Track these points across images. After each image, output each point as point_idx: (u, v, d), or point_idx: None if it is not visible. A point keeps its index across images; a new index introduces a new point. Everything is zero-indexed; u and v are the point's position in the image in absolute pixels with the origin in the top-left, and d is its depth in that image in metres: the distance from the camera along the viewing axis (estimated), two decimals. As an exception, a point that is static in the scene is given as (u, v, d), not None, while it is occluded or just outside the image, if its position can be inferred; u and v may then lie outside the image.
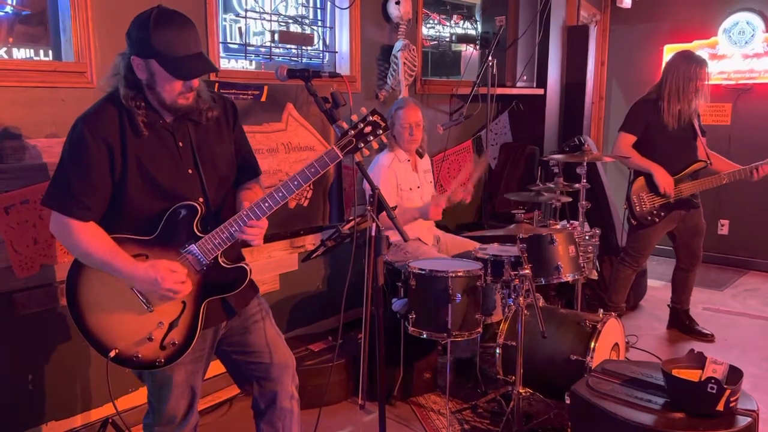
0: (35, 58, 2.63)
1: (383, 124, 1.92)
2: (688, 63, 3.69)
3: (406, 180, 3.45)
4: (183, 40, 1.76)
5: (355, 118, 1.93)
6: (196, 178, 1.91)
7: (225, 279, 1.93)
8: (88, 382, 2.76)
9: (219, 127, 1.98)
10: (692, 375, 2.28)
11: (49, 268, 2.57)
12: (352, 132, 1.91)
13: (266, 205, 1.86)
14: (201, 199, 1.90)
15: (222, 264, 1.91)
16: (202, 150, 1.92)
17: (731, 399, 2.18)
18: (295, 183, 1.88)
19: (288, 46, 3.62)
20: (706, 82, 3.71)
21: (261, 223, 1.88)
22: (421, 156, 3.60)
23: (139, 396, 2.86)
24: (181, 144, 1.89)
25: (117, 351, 1.86)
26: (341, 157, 1.91)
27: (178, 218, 1.85)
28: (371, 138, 1.92)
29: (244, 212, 1.86)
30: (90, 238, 1.79)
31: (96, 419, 2.78)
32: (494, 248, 3.24)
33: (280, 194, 1.87)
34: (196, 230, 1.87)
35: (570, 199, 3.68)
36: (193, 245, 1.86)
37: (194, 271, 1.88)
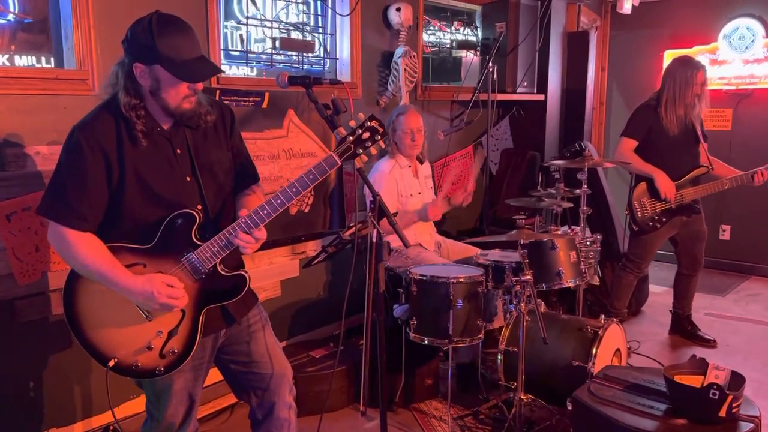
0: (37, 66, 2.64)
1: (381, 130, 1.91)
2: (686, 68, 3.70)
3: (406, 186, 3.45)
4: (187, 43, 1.77)
5: (353, 124, 1.92)
6: (194, 185, 1.90)
7: (224, 287, 1.92)
8: (88, 389, 2.76)
9: (216, 133, 1.98)
10: (694, 381, 2.27)
11: (51, 276, 2.57)
12: (351, 138, 1.91)
13: (264, 212, 1.85)
14: (199, 207, 1.90)
15: (221, 272, 1.91)
16: (200, 157, 1.92)
17: (734, 405, 2.18)
18: (294, 190, 1.87)
19: (289, 53, 3.63)
20: (706, 87, 3.72)
21: (259, 233, 1.87)
22: (421, 162, 3.61)
23: (140, 403, 2.85)
24: (178, 151, 1.88)
25: (116, 360, 1.85)
26: (339, 163, 1.90)
27: (176, 226, 1.85)
28: (369, 144, 1.91)
29: (243, 220, 1.85)
30: (87, 249, 1.79)
31: (97, 426, 2.78)
32: (495, 254, 3.24)
33: (279, 201, 1.86)
34: (194, 238, 1.86)
35: (571, 205, 3.68)
36: (192, 253, 1.86)
37: (193, 279, 1.88)
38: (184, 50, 1.75)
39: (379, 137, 1.92)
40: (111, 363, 1.85)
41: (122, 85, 1.79)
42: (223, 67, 3.24)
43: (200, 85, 1.84)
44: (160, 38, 1.73)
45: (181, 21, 1.80)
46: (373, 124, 1.91)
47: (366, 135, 1.91)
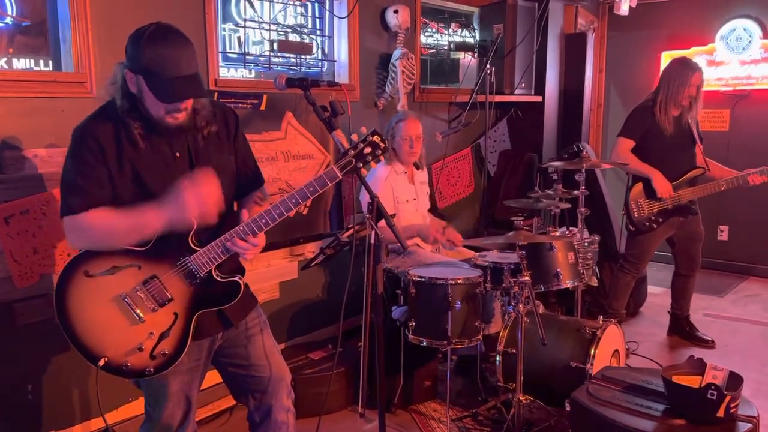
0: (35, 69, 2.64)
1: (383, 145, 1.93)
2: (682, 69, 3.72)
3: (402, 192, 3.45)
4: (173, 60, 1.74)
5: (355, 137, 1.94)
6: None
7: (218, 292, 1.92)
8: (87, 392, 2.76)
9: (219, 138, 1.98)
10: (692, 381, 2.27)
11: (48, 278, 2.57)
12: (352, 152, 1.93)
13: (263, 221, 1.86)
14: None
15: (216, 277, 1.91)
16: (201, 161, 1.92)
17: (731, 405, 2.18)
18: (293, 201, 1.88)
19: (287, 55, 3.64)
20: (701, 89, 3.73)
21: (257, 240, 1.88)
22: (418, 168, 3.61)
23: (139, 406, 2.85)
24: (178, 155, 1.89)
25: (106, 359, 1.85)
26: (340, 177, 1.92)
27: (173, 230, 1.84)
28: (370, 158, 1.94)
29: (241, 227, 1.86)
30: (106, 216, 1.79)
31: (95, 429, 2.78)
32: (494, 255, 3.24)
33: (278, 211, 1.87)
34: (191, 243, 1.87)
35: (569, 206, 3.68)
36: (188, 258, 1.87)
37: (187, 283, 1.88)
38: (168, 67, 1.73)
39: (380, 152, 1.94)
40: (101, 362, 1.85)
41: (119, 86, 1.81)
42: (221, 70, 3.24)
43: (185, 103, 1.82)
44: (147, 50, 1.72)
45: (176, 35, 1.77)
46: (375, 139, 1.93)
47: (368, 150, 1.92)
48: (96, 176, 1.79)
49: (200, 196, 1.80)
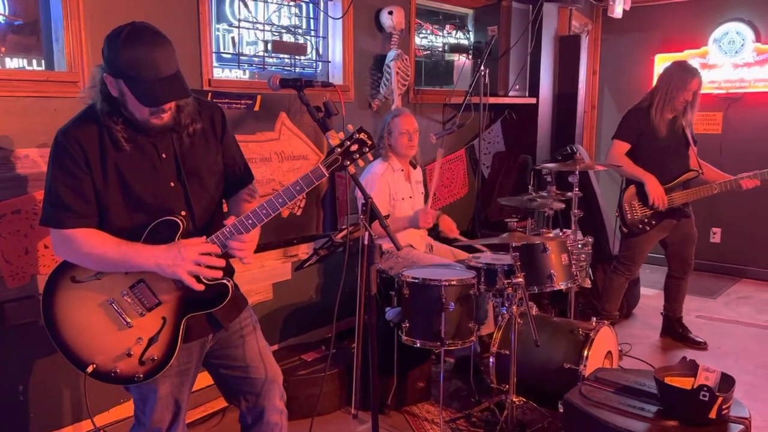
0: (28, 68, 2.63)
1: (370, 143, 1.92)
2: (682, 73, 3.73)
3: (398, 189, 3.45)
4: (152, 62, 1.68)
5: (342, 136, 1.93)
6: (179, 190, 1.87)
7: (206, 295, 1.87)
8: (78, 393, 2.74)
9: (205, 137, 1.94)
10: (685, 383, 2.28)
11: (40, 279, 2.56)
12: (339, 150, 1.91)
13: (250, 222, 1.84)
14: (184, 213, 1.87)
15: (203, 280, 1.86)
16: (187, 162, 1.88)
17: (723, 407, 2.19)
18: (280, 200, 1.86)
19: (281, 55, 3.63)
20: (698, 95, 3.74)
21: (246, 237, 1.85)
22: (414, 166, 3.61)
23: (130, 407, 2.83)
24: (164, 156, 1.85)
25: (95, 366, 1.83)
26: (327, 175, 1.90)
27: (159, 233, 1.81)
28: (357, 156, 1.92)
29: (227, 229, 1.84)
30: (99, 241, 1.78)
31: (86, 430, 2.76)
32: (487, 257, 3.24)
33: (264, 212, 1.85)
34: None
35: (563, 206, 3.69)
36: None
37: (175, 287, 1.85)
38: (146, 69, 1.68)
39: (368, 150, 1.92)
40: (89, 369, 1.83)
41: (99, 90, 1.77)
42: (215, 70, 3.23)
43: (172, 103, 1.79)
44: (124, 53, 1.67)
45: (152, 35, 1.72)
46: (362, 136, 1.91)
47: (354, 147, 1.91)
48: (81, 190, 1.76)
49: (201, 260, 1.80)
